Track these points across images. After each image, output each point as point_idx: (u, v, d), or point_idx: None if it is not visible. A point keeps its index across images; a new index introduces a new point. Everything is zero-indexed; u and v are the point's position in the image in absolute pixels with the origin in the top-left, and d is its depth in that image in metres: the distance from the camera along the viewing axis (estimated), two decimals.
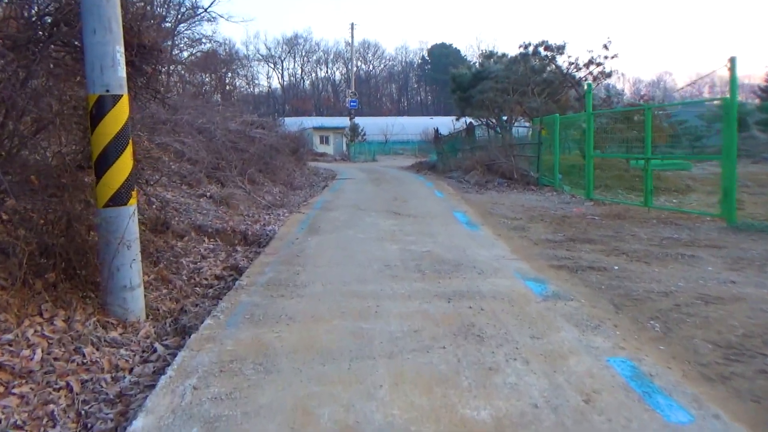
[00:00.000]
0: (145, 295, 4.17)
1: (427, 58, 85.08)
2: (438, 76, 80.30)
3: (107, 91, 3.66)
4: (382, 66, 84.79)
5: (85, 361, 3.18)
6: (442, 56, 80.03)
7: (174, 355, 3.22)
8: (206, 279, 5.63)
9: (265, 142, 15.23)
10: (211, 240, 7.17)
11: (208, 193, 9.36)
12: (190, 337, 3.52)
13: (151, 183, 6.67)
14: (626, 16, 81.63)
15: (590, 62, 15.71)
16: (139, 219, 6.80)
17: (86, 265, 3.98)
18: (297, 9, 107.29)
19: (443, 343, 3.26)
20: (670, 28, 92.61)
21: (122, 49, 3.75)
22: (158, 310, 4.41)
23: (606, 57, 15.68)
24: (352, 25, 38.56)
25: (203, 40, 36.20)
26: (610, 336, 3.40)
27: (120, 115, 3.77)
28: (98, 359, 3.23)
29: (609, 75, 15.66)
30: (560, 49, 16.13)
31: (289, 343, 3.30)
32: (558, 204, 9.84)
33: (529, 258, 5.66)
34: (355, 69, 54.22)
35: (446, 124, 29.63)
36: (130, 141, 3.92)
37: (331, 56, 79.85)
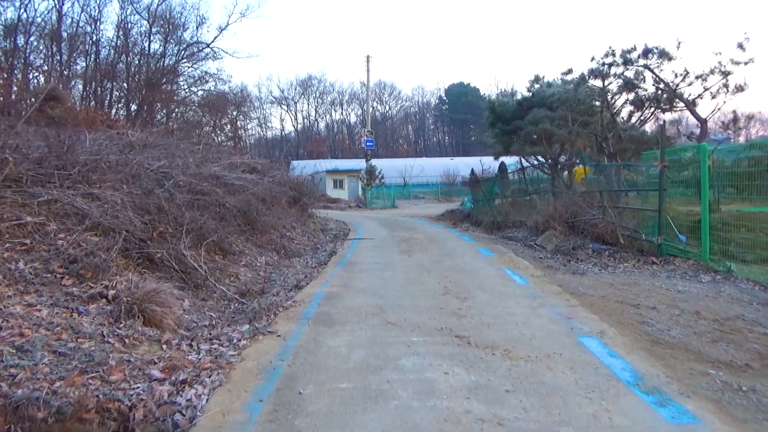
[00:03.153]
0: None
1: (445, 98, 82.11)
2: (456, 116, 76.98)
3: None
4: (398, 107, 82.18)
5: None
6: (461, 95, 76.89)
7: None
8: None
9: (251, 191, 11.08)
10: None
11: (111, 292, 5.09)
12: None
13: None
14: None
15: (712, 71, 10.88)
16: None
17: None
18: (311, 50, 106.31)
19: None
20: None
21: None
22: None
23: (737, 63, 10.80)
24: (368, 57, 35.03)
25: (207, 78, 33.24)
26: None
27: None
28: None
29: (741, 89, 10.79)
30: (664, 55, 11.34)
31: None
32: (758, 307, 5.26)
33: None
34: (371, 110, 50.79)
35: (468, 164, 26.68)
36: None
37: (346, 97, 77.36)
